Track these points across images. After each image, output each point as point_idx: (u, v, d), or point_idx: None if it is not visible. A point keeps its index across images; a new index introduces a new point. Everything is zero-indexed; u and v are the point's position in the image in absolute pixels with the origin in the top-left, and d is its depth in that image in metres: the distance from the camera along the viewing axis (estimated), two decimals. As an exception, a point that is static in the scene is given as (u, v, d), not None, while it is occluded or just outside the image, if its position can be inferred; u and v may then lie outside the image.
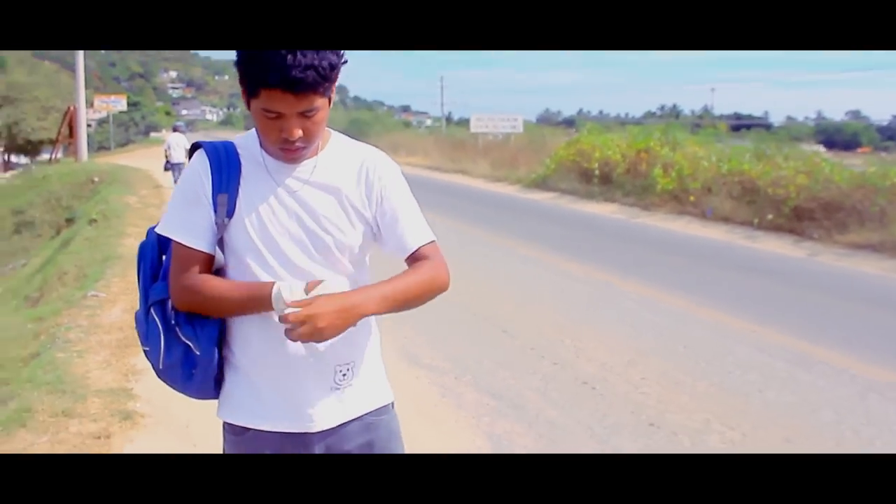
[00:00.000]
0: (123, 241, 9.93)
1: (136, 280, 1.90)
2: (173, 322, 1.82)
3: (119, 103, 45.57)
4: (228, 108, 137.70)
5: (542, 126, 41.87)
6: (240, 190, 1.82)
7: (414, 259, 1.89)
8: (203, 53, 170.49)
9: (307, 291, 1.72)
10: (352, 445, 1.90)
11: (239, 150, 1.85)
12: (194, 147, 1.88)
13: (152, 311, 1.83)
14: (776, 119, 68.02)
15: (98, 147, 47.55)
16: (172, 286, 1.82)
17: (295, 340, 1.68)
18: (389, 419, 1.98)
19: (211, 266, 1.84)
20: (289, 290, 1.72)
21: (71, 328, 5.81)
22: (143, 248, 1.93)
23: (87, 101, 30.86)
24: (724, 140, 18.97)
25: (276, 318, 1.72)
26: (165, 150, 18.01)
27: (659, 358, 5.76)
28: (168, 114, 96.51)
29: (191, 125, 54.90)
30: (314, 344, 1.76)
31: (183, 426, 4.11)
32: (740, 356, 5.80)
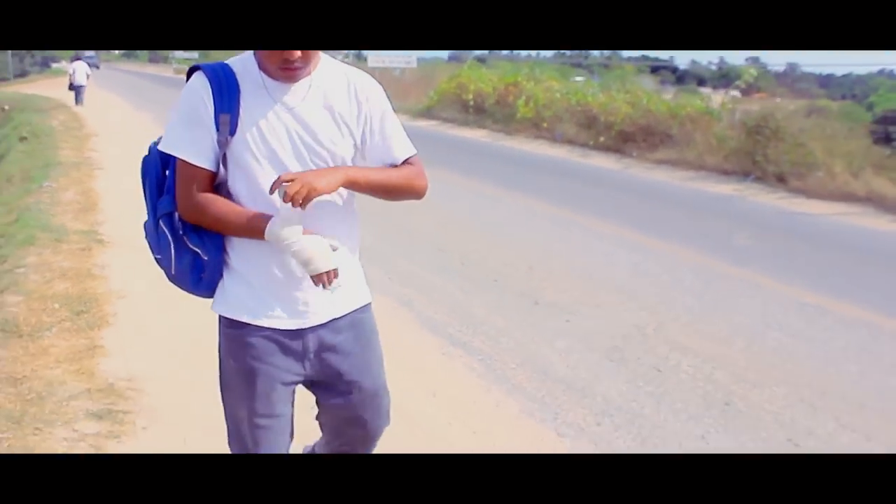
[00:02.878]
0: (59, 153, 11.82)
1: (143, 193, 2.05)
2: (181, 232, 1.98)
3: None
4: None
5: (449, 63, 43.79)
6: (240, 109, 1.92)
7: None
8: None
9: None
10: (339, 338, 2.11)
11: (235, 72, 1.96)
12: (192, 70, 1.99)
13: (161, 223, 1.99)
14: (681, 63, 71.25)
15: (-7, 78, 47.08)
16: (179, 202, 1.97)
17: (296, 203, 1.86)
18: (370, 317, 2.20)
19: (213, 182, 1.97)
20: (286, 226, 1.91)
21: (39, 202, 7.91)
22: (146, 163, 2.06)
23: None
24: (629, 81, 21.49)
25: (279, 227, 1.91)
26: (69, 75, 23.23)
27: (503, 238, 8.27)
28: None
29: (91, 57, 54.50)
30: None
31: (138, 248, 6.37)
32: (560, 232, 8.38)
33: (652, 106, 14.62)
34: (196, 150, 1.93)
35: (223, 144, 1.93)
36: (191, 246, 1.98)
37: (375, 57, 29.54)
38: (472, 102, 19.29)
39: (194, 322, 4.61)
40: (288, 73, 1.92)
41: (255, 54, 1.97)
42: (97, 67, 52.50)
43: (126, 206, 7.95)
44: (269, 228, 1.91)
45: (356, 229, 2.16)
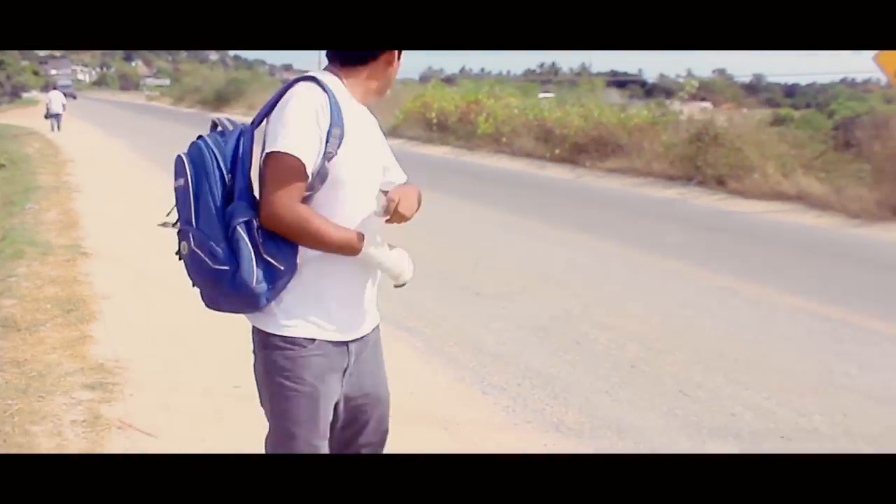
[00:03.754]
0: (38, 178, 12.39)
1: (190, 198, 1.93)
2: (259, 240, 1.90)
3: (-18, 62, 45.31)
4: (101, 68, 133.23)
5: (419, 83, 44.68)
6: (345, 125, 1.97)
7: None
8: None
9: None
10: (365, 354, 2.18)
11: (335, 90, 2.00)
12: (302, 80, 2.01)
13: (239, 229, 1.89)
14: (650, 76, 72.71)
15: (-39, 108, 47.30)
16: (277, 205, 1.90)
17: (399, 221, 2.03)
18: (380, 333, 2.30)
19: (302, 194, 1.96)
20: (378, 245, 2.04)
21: (23, 222, 8.50)
22: (201, 163, 1.94)
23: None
24: (599, 95, 22.34)
25: (374, 245, 2.04)
26: (46, 104, 25.23)
27: (455, 241, 8.95)
28: (36, 73, 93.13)
29: (67, 87, 55.05)
30: (369, 267, 2.08)
31: (117, 258, 6.99)
32: (507, 235, 9.09)
33: (603, 118, 15.45)
34: (311, 156, 1.93)
35: (328, 157, 1.95)
36: (265, 255, 1.91)
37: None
38: (435, 120, 20.06)
39: (169, 316, 5.28)
40: (383, 94, 2.18)
41: (337, 71, 2.08)
42: (73, 97, 52.98)
43: (104, 224, 8.59)
44: (366, 248, 2.01)
45: None
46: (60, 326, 4.94)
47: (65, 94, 28.15)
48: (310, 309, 2.02)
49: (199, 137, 2.00)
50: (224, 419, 3.78)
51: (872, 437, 3.96)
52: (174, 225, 2.03)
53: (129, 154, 18.00)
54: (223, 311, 2.04)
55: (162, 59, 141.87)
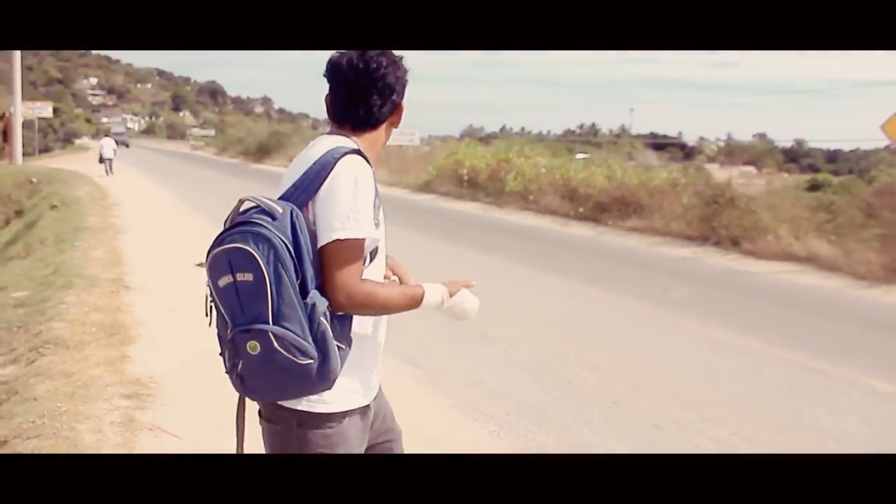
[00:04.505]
0: (86, 219, 13.20)
1: (268, 294, 1.80)
2: (337, 327, 1.91)
3: (45, 109, 47.01)
4: (150, 117, 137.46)
5: (453, 140, 45.83)
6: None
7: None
8: (125, 60, 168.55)
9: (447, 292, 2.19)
10: (378, 406, 2.22)
11: None
12: (349, 153, 1.97)
13: (324, 321, 1.86)
14: (689, 138, 73.41)
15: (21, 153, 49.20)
16: (349, 291, 1.91)
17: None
18: None
19: None
20: (441, 296, 2.16)
21: (72, 258, 9.22)
22: (275, 255, 1.81)
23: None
24: (638, 156, 23.01)
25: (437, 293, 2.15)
26: (100, 150, 27.56)
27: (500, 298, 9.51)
28: (88, 121, 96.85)
29: (121, 134, 57.54)
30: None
31: (155, 292, 7.63)
32: (521, 286, 9.62)
33: (626, 178, 15.98)
34: (376, 234, 2.00)
35: (377, 227, 2.01)
36: (335, 340, 1.89)
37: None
38: (466, 177, 20.76)
39: (198, 342, 5.84)
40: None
41: (348, 134, 2.08)
42: (126, 146, 55.24)
43: (146, 261, 9.28)
44: (426, 297, 2.11)
45: None
46: (103, 347, 5.54)
47: (118, 142, 31.20)
48: (350, 378, 2.01)
49: (255, 224, 1.84)
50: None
51: (824, 471, 4.37)
52: None
53: (171, 199, 18.94)
54: (276, 399, 1.99)
55: (209, 110, 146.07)
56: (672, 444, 4.62)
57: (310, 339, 1.84)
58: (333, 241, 1.90)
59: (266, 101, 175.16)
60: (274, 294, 1.81)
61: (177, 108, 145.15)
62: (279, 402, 2.01)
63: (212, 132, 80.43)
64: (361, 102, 2.06)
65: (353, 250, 1.91)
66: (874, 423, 5.16)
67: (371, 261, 2.04)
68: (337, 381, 1.94)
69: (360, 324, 2.03)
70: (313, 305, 1.85)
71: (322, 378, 1.88)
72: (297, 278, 1.84)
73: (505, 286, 9.27)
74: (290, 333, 1.82)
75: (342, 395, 2.01)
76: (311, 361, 1.85)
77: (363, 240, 1.93)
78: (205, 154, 58.44)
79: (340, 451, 2.02)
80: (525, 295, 8.87)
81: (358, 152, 1.98)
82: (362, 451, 2.13)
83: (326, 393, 1.96)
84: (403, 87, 2.10)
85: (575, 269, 10.73)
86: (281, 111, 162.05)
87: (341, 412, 2.01)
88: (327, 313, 1.87)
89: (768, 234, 12.40)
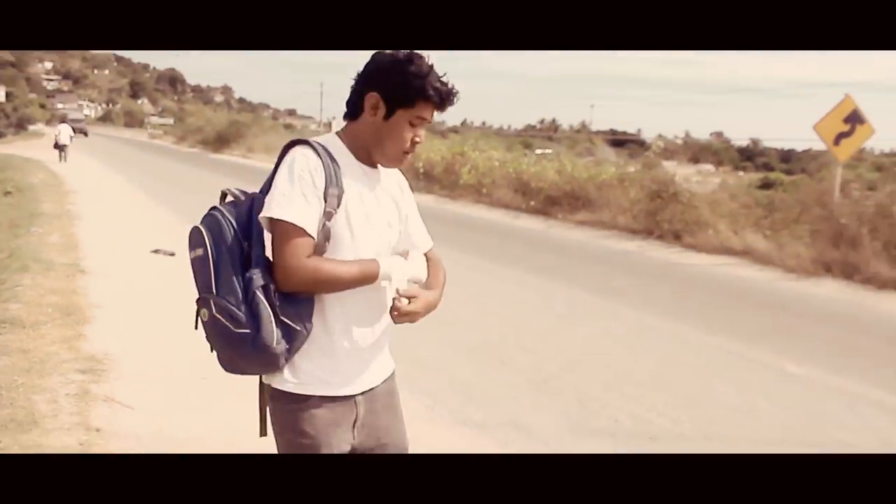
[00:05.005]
0: (42, 206, 13.29)
1: (210, 267, 2.02)
2: (277, 303, 2.00)
3: (-6, 93, 46.45)
4: (108, 104, 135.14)
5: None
6: (344, 185, 2.08)
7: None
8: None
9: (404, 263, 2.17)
10: (379, 404, 2.26)
11: (332, 152, 2.10)
12: (296, 143, 2.12)
13: (259, 294, 1.98)
14: (648, 135, 74.43)
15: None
16: (285, 270, 2.00)
17: (398, 322, 2.12)
18: (395, 383, 2.36)
19: (313, 251, 2.05)
20: (396, 268, 2.14)
21: (28, 243, 9.38)
22: (219, 234, 2.03)
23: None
24: (598, 152, 23.48)
25: (375, 296, 2.14)
26: (56, 135, 27.48)
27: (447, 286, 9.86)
28: (43, 107, 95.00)
29: (79, 121, 56.56)
30: (385, 318, 2.19)
31: (110, 276, 7.86)
32: (493, 282, 9.97)
33: (575, 173, 16.45)
34: (311, 219, 2.02)
35: (329, 216, 2.05)
36: (283, 318, 2.00)
37: (337, 126, 31.55)
38: (422, 170, 21.11)
39: (150, 323, 6.15)
40: (407, 158, 2.17)
41: (340, 137, 2.16)
42: (85, 134, 54.21)
43: (101, 247, 9.48)
44: (383, 268, 2.11)
45: None
46: (59, 326, 5.80)
47: (76, 130, 31.09)
48: (316, 365, 2.10)
49: (214, 208, 2.09)
50: (190, 401, 4.64)
51: (728, 439, 4.81)
52: (171, 254, 2.39)
53: (126, 186, 19.01)
54: (243, 373, 2.12)
55: (168, 97, 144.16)
56: (592, 419, 5.03)
57: (243, 308, 1.98)
58: (267, 219, 2.04)
59: (226, 89, 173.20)
60: (213, 267, 2.01)
61: (135, 96, 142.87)
62: (262, 379, 2.17)
63: (171, 121, 79.69)
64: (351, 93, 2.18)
65: (284, 230, 2.01)
66: (777, 399, 5.62)
67: (341, 246, 2.09)
68: (302, 364, 2.08)
69: (326, 309, 2.09)
70: (250, 279, 1.99)
71: (259, 350, 1.99)
72: (241, 255, 2.01)
73: (453, 275, 9.62)
74: (225, 302, 1.98)
75: (306, 379, 2.09)
76: (246, 331, 1.98)
77: (289, 223, 2.01)
78: (163, 143, 57.97)
79: (310, 430, 2.10)
80: (471, 283, 9.24)
81: (306, 142, 2.10)
82: (335, 443, 2.15)
83: (293, 373, 2.09)
84: (388, 82, 2.08)
85: (521, 260, 11.13)
86: (241, 101, 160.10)
87: (304, 395, 2.09)
88: (269, 290, 1.99)
89: (708, 229, 12.93)
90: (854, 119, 11.80)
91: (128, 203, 15.56)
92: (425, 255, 2.33)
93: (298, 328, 2.02)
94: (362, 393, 2.19)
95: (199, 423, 4.27)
